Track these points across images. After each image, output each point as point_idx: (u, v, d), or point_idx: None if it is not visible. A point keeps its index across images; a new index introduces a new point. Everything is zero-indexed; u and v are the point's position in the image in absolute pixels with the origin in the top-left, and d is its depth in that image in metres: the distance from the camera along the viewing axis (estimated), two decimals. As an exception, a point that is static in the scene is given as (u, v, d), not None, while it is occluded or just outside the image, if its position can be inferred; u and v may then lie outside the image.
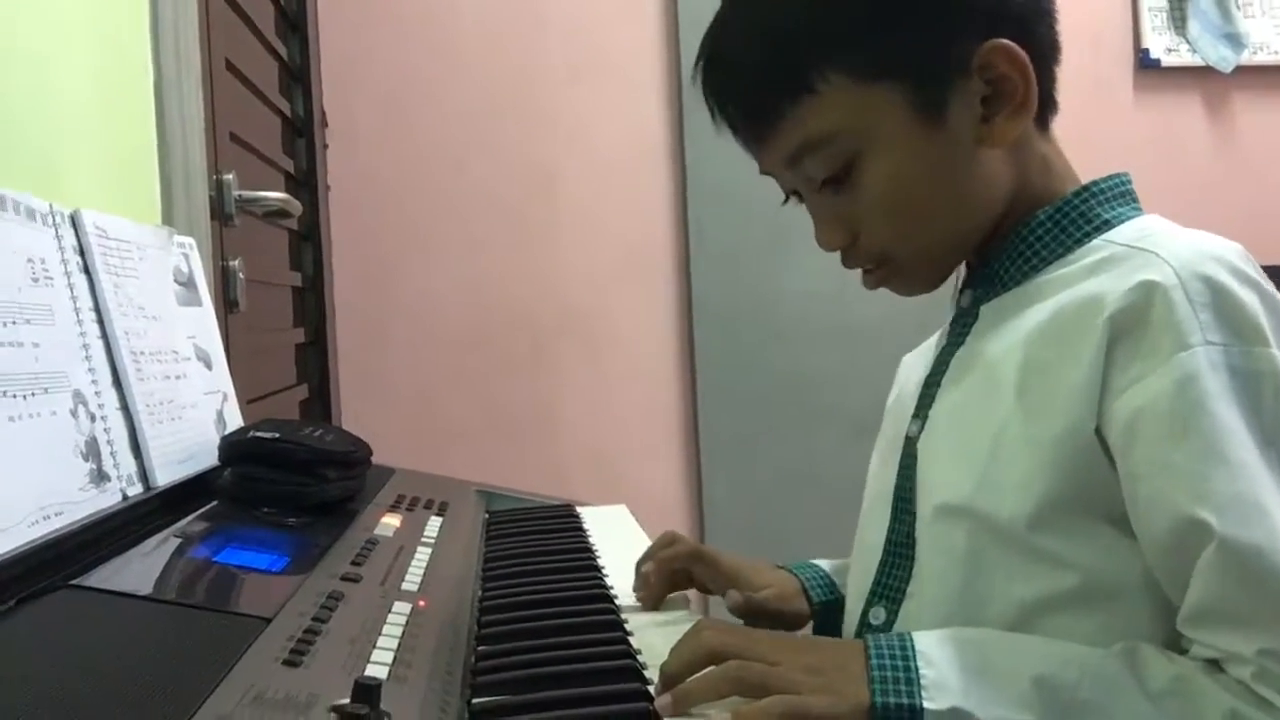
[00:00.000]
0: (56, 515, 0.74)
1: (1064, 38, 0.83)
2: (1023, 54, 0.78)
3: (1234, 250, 0.74)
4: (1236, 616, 0.66)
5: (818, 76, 0.78)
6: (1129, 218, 0.81)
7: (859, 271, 0.86)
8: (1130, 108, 2.83)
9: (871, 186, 0.80)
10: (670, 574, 0.97)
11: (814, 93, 0.78)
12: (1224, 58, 2.82)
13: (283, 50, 2.10)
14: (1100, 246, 0.78)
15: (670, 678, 0.69)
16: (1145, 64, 2.83)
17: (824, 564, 1.01)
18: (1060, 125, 0.86)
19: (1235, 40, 2.83)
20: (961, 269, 0.89)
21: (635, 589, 0.97)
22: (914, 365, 0.93)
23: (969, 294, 0.87)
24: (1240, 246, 0.75)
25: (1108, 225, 0.80)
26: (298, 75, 2.23)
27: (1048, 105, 0.83)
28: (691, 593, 1.00)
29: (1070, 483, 0.72)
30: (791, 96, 0.79)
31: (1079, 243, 0.80)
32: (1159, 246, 0.74)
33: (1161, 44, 2.83)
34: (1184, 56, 2.83)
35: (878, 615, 0.83)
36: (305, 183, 2.22)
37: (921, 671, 0.68)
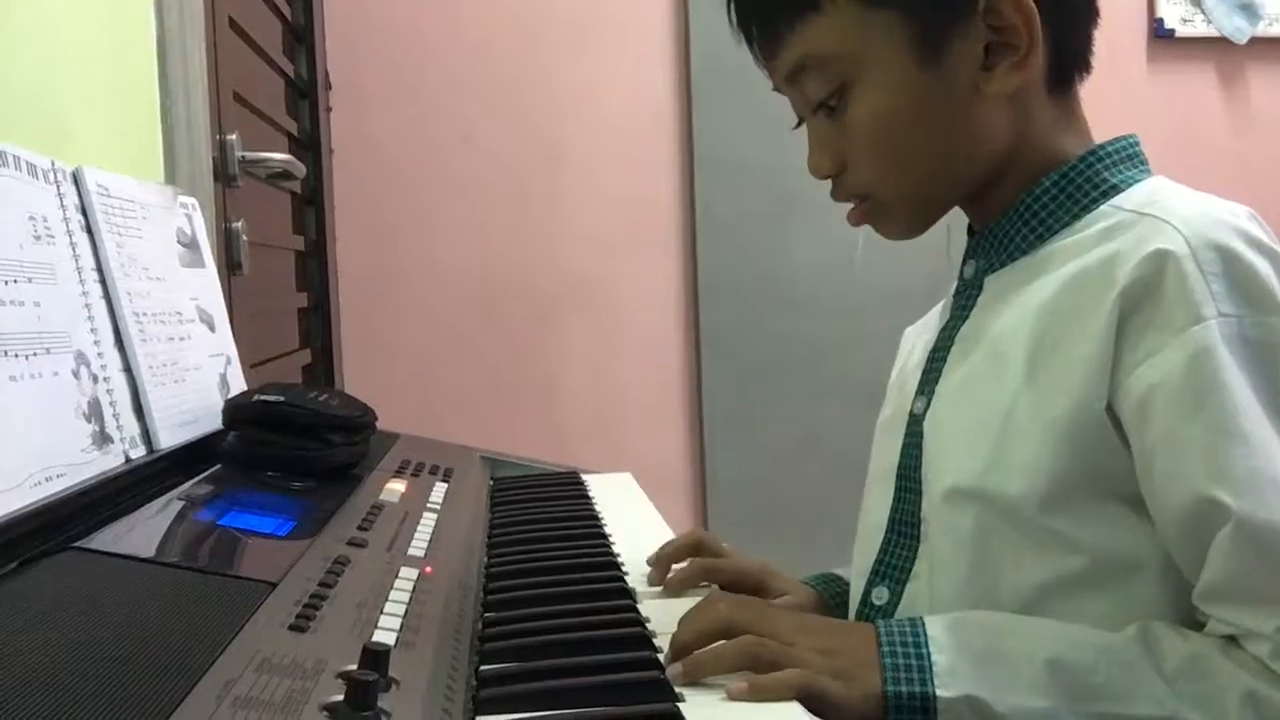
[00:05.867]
0: (59, 477, 0.73)
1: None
2: (1030, 4, 0.76)
3: (1243, 213, 0.73)
4: (1254, 594, 0.65)
5: None
6: (1137, 180, 0.79)
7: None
8: (1143, 79, 2.80)
9: (860, 118, 0.79)
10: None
11: (819, 10, 0.78)
12: (1239, 28, 2.79)
13: (287, 10, 2.07)
14: (1108, 213, 0.77)
15: (682, 647, 0.68)
16: (1159, 34, 2.80)
17: (843, 573, 0.96)
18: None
19: (1251, 11, 2.79)
20: (964, 239, 0.86)
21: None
22: (916, 338, 0.91)
23: (972, 265, 0.84)
24: (1248, 209, 0.73)
25: (1115, 190, 0.78)
26: (301, 36, 2.21)
27: (1071, 66, 0.81)
28: None
29: (1081, 462, 0.71)
30: (799, 11, 0.78)
31: (1086, 209, 0.78)
32: (1168, 213, 0.72)
33: (1176, 14, 2.80)
34: (1198, 27, 2.80)
35: (880, 595, 0.82)
36: (309, 145, 2.20)
37: (934, 658, 0.67)
